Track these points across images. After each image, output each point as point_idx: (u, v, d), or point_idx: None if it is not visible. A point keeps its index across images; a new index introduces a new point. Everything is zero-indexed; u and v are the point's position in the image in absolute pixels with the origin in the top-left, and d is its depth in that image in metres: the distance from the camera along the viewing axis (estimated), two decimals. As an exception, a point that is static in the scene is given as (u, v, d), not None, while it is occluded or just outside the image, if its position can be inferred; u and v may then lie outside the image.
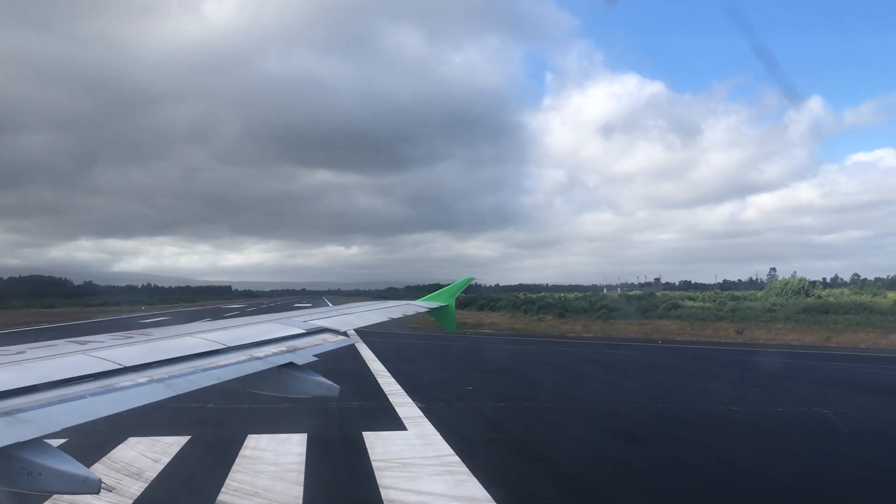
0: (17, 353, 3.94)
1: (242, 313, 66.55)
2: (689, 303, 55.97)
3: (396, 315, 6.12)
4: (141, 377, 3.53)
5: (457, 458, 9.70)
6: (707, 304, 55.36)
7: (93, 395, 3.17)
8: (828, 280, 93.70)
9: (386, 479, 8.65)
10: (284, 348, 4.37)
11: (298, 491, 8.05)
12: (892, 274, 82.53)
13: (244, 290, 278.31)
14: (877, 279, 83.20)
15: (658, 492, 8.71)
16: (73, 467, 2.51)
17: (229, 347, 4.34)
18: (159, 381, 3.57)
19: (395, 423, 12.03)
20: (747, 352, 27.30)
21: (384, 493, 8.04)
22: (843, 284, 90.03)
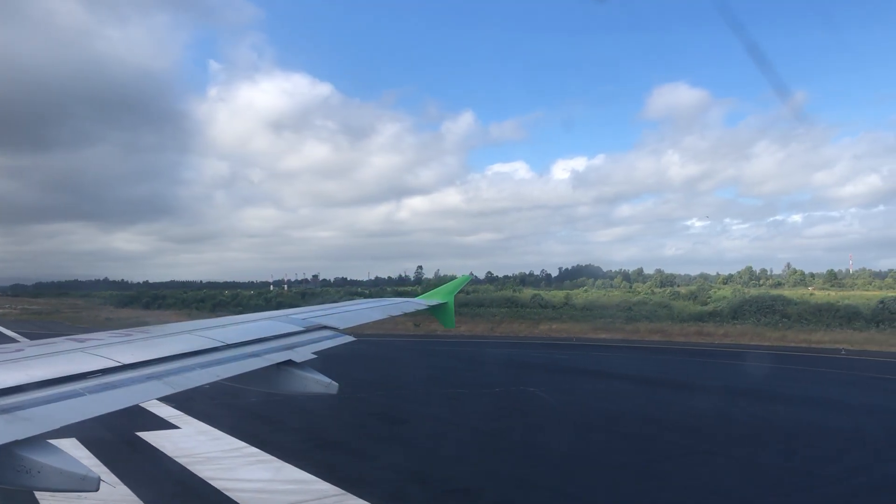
0: (16, 350, 3.77)
1: None
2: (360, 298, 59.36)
3: (396, 313, 6.34)
4: (139, 375, 3.70)
5: (256, 449, 10.05)
6: (376, 300, 59.37)
7: (92, 392, 3.27)
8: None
9: (204, 472, 8.75)
10: (283, 346, 4.50)
11: (125, 490, 7.79)
12: (517, 272, 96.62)
13: None
14: (505, 277, 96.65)
15: (441, 458, 10.18)
16: (73, 465, 2.67)
17: (228, 345, 4.43)
18: (157, 378, 3.77)
19: (159, 423, 11.71)
20: (435, 342, 30.60)
21: (215, 485, 8.22)
22: (480, 281, 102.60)
